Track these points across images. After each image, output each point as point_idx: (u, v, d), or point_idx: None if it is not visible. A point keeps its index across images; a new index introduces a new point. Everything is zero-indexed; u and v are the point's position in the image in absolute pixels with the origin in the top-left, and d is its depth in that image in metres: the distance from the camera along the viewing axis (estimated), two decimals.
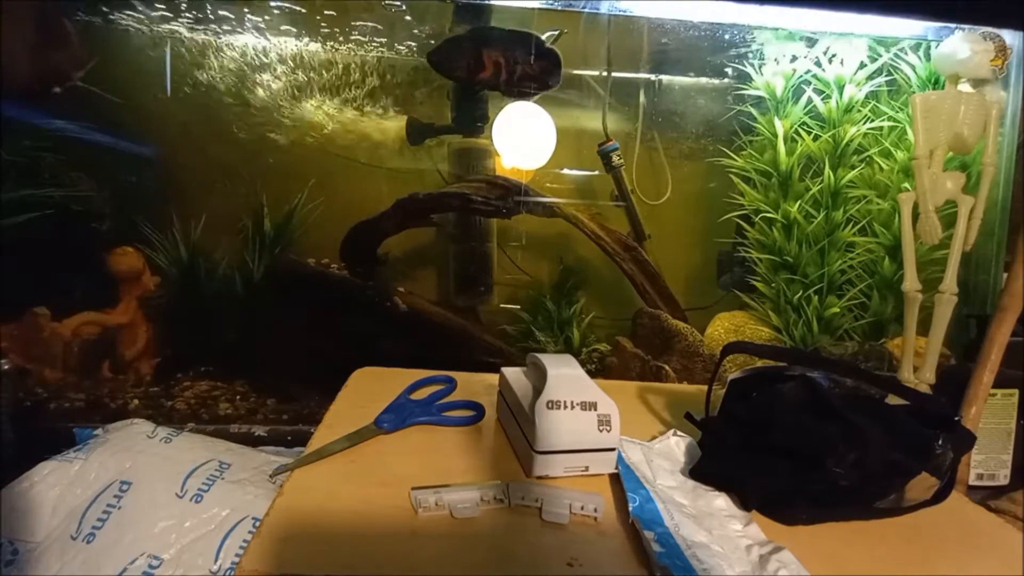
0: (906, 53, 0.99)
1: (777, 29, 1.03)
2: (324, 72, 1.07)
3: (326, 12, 1.02)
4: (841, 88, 1.02)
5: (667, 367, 0.95)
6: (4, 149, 0.91)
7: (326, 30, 1.04)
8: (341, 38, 1.05)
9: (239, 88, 1.05)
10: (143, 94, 1.04)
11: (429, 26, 1.04)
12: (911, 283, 0.83)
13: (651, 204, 1.14)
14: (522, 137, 1.05)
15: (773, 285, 1.08)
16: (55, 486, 0.64)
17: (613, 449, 0.48)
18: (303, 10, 1.02)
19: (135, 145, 1.05)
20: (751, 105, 1.09)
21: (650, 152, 1.16)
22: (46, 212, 0.93)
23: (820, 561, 0.40)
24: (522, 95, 0.97)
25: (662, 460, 0.52)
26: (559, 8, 0.97)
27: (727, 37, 1.05)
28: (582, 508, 0.43)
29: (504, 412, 0.56)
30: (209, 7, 1.00)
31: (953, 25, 0.90)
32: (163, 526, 0.61)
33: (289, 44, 1.05)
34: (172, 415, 0.94)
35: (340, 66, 1.07)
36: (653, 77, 1.14)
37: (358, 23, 1.03)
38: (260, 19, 1.02)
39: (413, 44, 1.05)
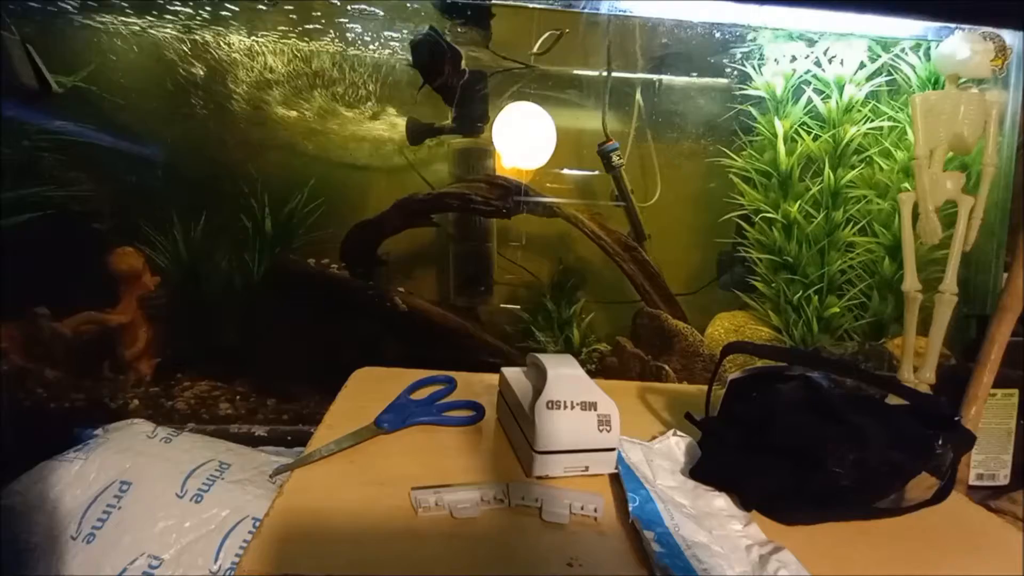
0: (906, 53, 0.99)
1: (777, 29, 1.03)
2: (324, 71, 1.07)
3: (329, 5, 1.02)
4: (841, 88, 1.02)
5: (667, 367, 0.95)
6: (4, 149, 0.91)
7: (324, 27, 1.04)
8: (340, 36, 1.05)
9: (239, 88, 1.05)
10: (143, 94, 1.04)
11: (428, 26, 1.04)
12: (911, 283, 0.83)
13: (650, 204, 1.14)
14: (522, 137, 1.05)
15: (773, 285, 1.08)
16: (55, 486, 0.64)
17: (613, 449, 0.48)
18: (300, 10, 1.02)
19: (135, 145, 1.05)
20: (751, 105, 1.09)
21: (650, 152, 1.16)
22: (46, 212, 0.93)
23: (820, 561, 0.40)
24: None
25: (662, 460, 0.52)
26: (559, 8, 0.97)
27: (727, 37, 1.05)
28: (582, 508, 0.43)
29: (504, 412, 0.56)
30: (209, 7, 1.00)
31: (953, 25, 0.90)
32: (163, 526, 0.61)
33: (289, 43, 1.05)
34: (172, 415, 0.94)
35: (340, 65, 1.07)
36: (653, 77, 1.14)
37: (355, 21, 1.03)
38: (259, 18, 1.02)
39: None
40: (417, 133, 1.06)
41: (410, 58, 0.96)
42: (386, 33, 1.05)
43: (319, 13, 1.02)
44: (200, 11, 1.00)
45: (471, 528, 0.41)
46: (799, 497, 0.46)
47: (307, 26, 1.03)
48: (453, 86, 0.96)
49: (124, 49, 1.02)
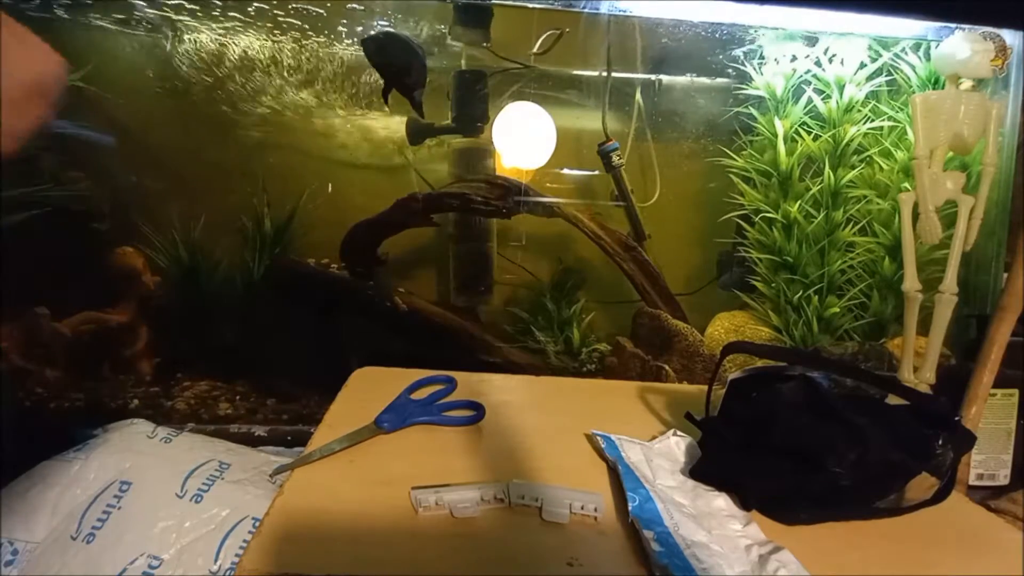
0: (906, 53, 0.99)
1: (777, 29, 1.03)
2: (324, 71, 1.07)
3: (326, 7, 1.02)
4: (841, 88, 1.02)
5: (667, 367, 0.95)
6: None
7: (323, 27, 1.04)
8: (336, 36, 1.05)
9: (239, 88, 1.05)
10: (142, 94, 1.04)
11: (427, 26, 1.04)
12: (911, 283, 0.83)
13: (650, 204, 1.14)
14: (522, 137, 1.05)
15: (773, 285, 1.08)
16: (55, 486, 0.64)
17: None
18: (301, 9, 1.02)
19: (135, 145, 1.05)
20: (751, 105, 1.09)
21: (650, 152, 1.16)
22: (45, 211, 0.93)
23: (820, 561, 0.40)
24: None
25: (662, 460, 0.52)
26: (559, 8, 0.97)
27: (727, 37, 1.05)
28: (582, 508, 0.43)
29: None
30: (209, 5, 1.00)
31: (953, 25, 0.90)
32: (163, 526, 0.61)
33: (288, 43, 1.05)
34: (172, 415, 0.94)
35: (340, 64, 1.07)
36: (653, 77, 1.14)
37: (357, 21, 1.03)
38: (259, 17, 1.02)
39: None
40: (417, 133, 1.05)
41: (374, 59, 0.87)
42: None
43: (320, 12, 1.02)
44: (200, 10, 1.00)
45: (471, 528, 0.41)
46: (799, 497, 0.46)
47: (307, 25, 1.03)
48: (414, 85, 0.88)
49: (123, 48, 1.02)
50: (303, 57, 1.06)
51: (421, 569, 0.37)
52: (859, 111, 1.03)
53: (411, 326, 0.99)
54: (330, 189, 1.07)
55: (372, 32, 0.90)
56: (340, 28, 1.04)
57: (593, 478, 0.49)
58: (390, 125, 1.10)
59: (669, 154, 1.16)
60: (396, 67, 0.85)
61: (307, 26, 1.03)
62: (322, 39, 1.05)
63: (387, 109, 1.05)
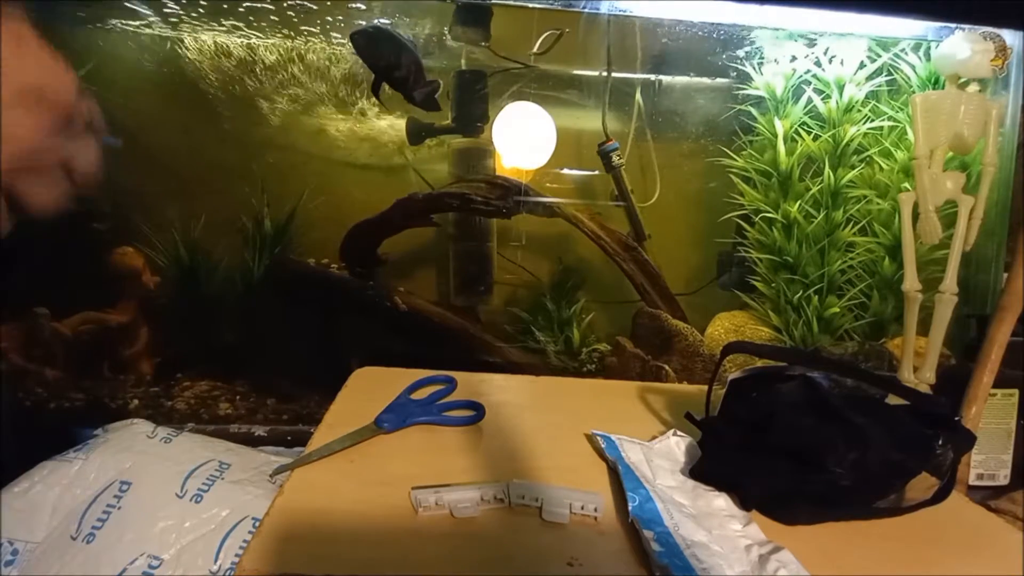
0: (906, 53, 0.99)
1: (777, 29, 1.03)
2: (324, 71, 1.07)
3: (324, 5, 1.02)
4: (841, 88, 1.02)
5: (667, 367, 0.95)
6: None
7: (325, 26, 1.04)
8: (335, 35, 1.05)
9: (239, 88, 1.05)
10: (143, 94, 1.04)
11: (428, 26, 1.04)
12: (911, 283, 0.83)
13: (650, 204, 1.14)
14: (522, 137, 1.05)
15: (773, 285, 1.08)
16: (55, 486, 0.64)
17: None
18: (302, 5, 1.02)
19: (135, 145, 1.05)
20: (751, 105, 1.09)
21: (650, 152, 1.16)
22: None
23: (820, 561, 0.40)
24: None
25: (662, 460, 0.52)
26: (559, 8, 0.97)
27: (727, 37, 1.05)
28: (582, 508, 0.43)
29: None
30: (208, 6, 1.00)
31: (953, 25, 0.90)
32: (163, 526, 0.61)
33: (289, 42, 1.05)
34: (172, 415, 0.94)
35: (339, 64, 1.07)
36: (653, 77, 1.14)
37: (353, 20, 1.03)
38: (259, 16, 1.02)
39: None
40: (417, 133, 1.05)
41: (363, 54, 0.85)
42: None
43: (318, 10, 1.02)
44: (200, 9, 1.00)
45: (471, 528, 0.41)
46: (799, 497, 0.46)
47: (307, 25, 1.03)
48: (406, 79, 0.85)
49: (122, 48, 1.02)
50: (301, 56, 1.06)
51: (421, 569, 0.37)
52: (859, 111, 1.03)
53: (411, 326, 0.99)
54: (323, 200, 1.07)
55: (361, 25, 0.89)
56: (341, 27, 1.04)
57: (593, 478, 0.49)
58: (391, 125, 1.10)
59: (669, 154, 1.16)
60: (386, 61, 0.84)
61: (303, 25, 1.03)
62: (321, 38, 1.05)
63: (379, 104, 1.04)
